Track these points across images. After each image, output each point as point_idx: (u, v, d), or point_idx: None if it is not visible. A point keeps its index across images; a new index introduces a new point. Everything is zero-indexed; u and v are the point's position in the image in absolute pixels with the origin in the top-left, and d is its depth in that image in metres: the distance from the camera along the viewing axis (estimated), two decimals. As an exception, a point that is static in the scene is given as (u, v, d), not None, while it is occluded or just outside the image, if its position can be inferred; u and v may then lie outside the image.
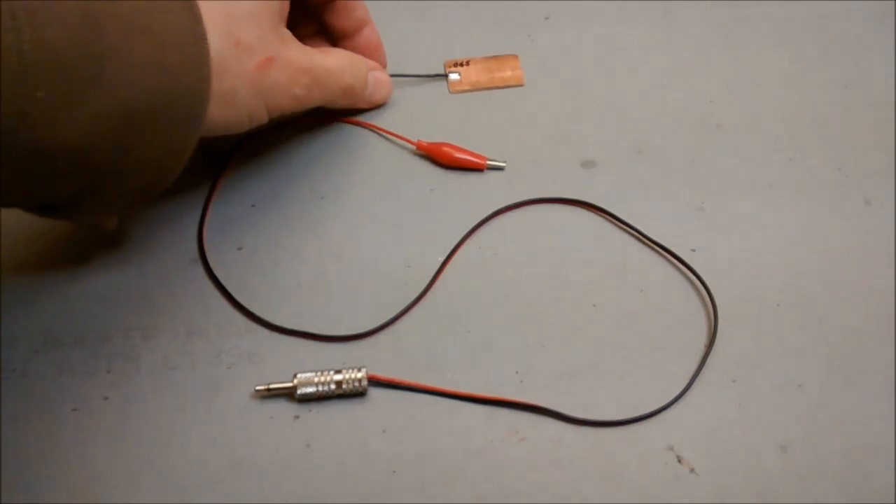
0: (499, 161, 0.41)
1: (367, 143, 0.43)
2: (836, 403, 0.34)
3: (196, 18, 0.30)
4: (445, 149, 0.41)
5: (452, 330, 0.36)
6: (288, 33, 0.37)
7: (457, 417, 0.34)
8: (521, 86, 0.45)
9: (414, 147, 0.42)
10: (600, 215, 0.40)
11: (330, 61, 0.39)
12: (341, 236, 0.39)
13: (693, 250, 0.39)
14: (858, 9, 0.50)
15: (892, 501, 0.32)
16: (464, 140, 0.42)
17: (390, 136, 0.42)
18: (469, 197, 0.41)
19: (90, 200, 0.31)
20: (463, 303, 0.37)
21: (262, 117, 0.36)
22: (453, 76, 0.45)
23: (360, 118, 0.43)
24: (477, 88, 0.45)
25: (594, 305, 0.37)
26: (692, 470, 0.32)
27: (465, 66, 0.45)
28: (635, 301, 0.37)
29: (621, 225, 0.40)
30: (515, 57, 0.46)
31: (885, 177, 0.42)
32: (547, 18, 0.49)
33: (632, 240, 0.39)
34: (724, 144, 0.43)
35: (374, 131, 0.43)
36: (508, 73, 0.45)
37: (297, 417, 0.34)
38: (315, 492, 0.32)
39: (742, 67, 0.47)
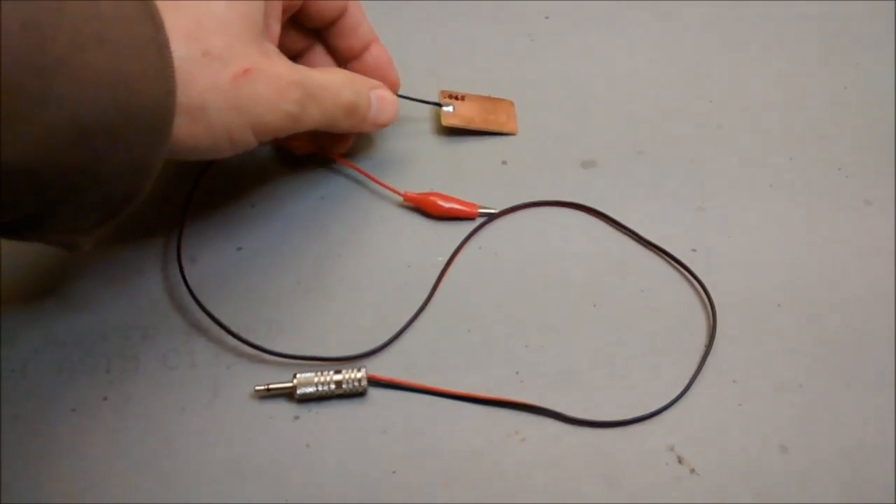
0: (490, 208, 0.40)
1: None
2: (836, 403, 0.34)
3: (157, 25, 0.28)
4: (433, 198, 0.39)
5: (452, 330, 0.36)
6: (272, 48, 0.34)
7: (457, 417, 0.34)
8: (512, 134, 0.43)
9: (401, 198, 0.40)
10: (595, 216, 0.40)
11: (324, 77, 0.35)
12: (341, 236, 0.39)
13: (693, 250, 0.39)
14: (858, 9, 0.50)
15: (892, 501, 0.32)
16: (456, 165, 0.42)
17: (376, 185, 0.40)
18: (469, 197, 0.41)
19: (50, 221, 0.29)
20: (463, 303, 0.37)
21: (248, 138, 0.32)
22: (447, 108, 0.42)
23: (351, 160, 0.41)
24: (469, 126, 0.42)
25: (594, 306, 0.37)
26: (692, 470, 0.32)
27: (460, 101, 0.43)
28: (635, 301, 0.37)
29: (617, 227, 0.40)
30: (511, 103, 0.44)
31: (885, 177, 0.42)
32: (547, 18, 0.49)
33: (631, 240, 0.39)
34: (724, 144, 0.43)
35: (360, 177, 0.41)
36: (503, 119, 0.43)
37: (296, 417, 0.34)
38: (315, 492, 0.32)
39: (742, 67, 0.47)
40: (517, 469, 0.32)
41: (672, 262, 0.38)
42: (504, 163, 0.42)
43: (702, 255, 0.38)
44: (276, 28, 0.35)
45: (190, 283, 0.36)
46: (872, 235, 0.39)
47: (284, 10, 0.36)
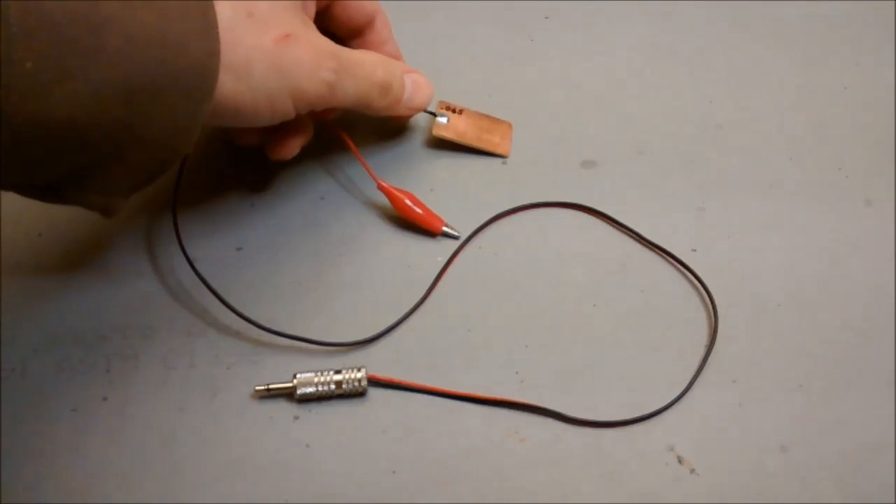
0: (456, 232, 0.39)
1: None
2: (836, 403, 0.34)
3: None
4: (403, 196, 0.39)
5: (452, 330, 0.36)
6: (309, 21, 0.34)
7: (457, 417, 0.34)
8: (504, 157, 0.42)
9: (376, 183, 0.39)
10: (595, 216, 0.40)
11: (359, 55, 0.36)
12: (341, 236, 0.39)
13: (693, 250, 0.39)
14: (858, 9, 0.50)
15: (892, 501, 0.32)
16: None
17: (375, 184, 0.39)
18: (469, 197, 0.41)
19: (92, 180, 0.29)
20: (463, 303, 0.37)
21: (286, 104, 0.33)
22: (441, 119, 0.41)
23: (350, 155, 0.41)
24: (461, 141, 0.41)
25: (594, 306, 0.37)
26: (692, 470, 0.32)
27: (457, 113, 0.42)
28: (635, 301, 0.37)
29: (617, 226, 0.39)
30: (510, 125, 0.43)
31: (885, 177, 0.42)
32: (547, 18, 0.49)
33: (631, 240, 0.39)
34: (724, 144, 0.43)
35: (359, 177, 0.41)
36: (497, 139, 0.42)
37: (296, 417, 0.34)
38: (315, 492, 0.32)
39: (742, 67, 0.47)
40: (517, 469, 0.32)
41: (672, 261, 0.38)
42: (504, 163, 0.42)
43: (702, 255, 0.38)
44: (311, 10, 0.36)
45: (191, 283, 0.36)
46: (872, 235, 0.39)
47: (317, 5, 0.37)
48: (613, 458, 0.33)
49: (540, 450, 0.33)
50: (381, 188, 0.39)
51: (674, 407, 0.34)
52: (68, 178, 0.29)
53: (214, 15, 0.29)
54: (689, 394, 0.34)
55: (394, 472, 0.32)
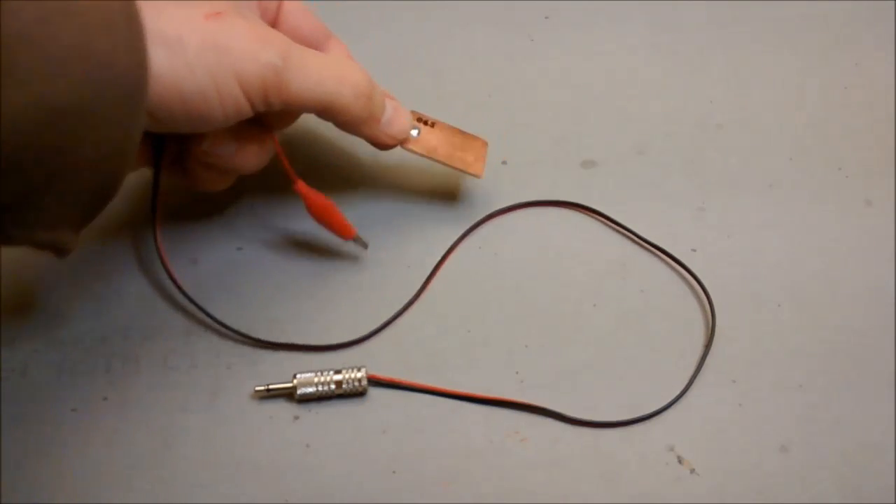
0: (365, 242, 0.37)
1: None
2: (836, 403, 0.34)
3: None
4: (317, 199, 0.36)
5: (452, 330, 0.36)
6: (249, 12, 0.32)
7: (457, 417, 0.34)
8: (476, 177, 0.39)
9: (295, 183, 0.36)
10: (595, 216, 0.40)
11: (324, 55, 0.33)
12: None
13: (693, 250, 0.39)
14: (858, 9, 0.50)
15: (892, 501, 0.32)
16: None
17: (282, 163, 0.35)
18: (469, 197, 0.41)
19: (29, 213, 0.27)
20: (463, 303, 0.37)
21: (235, 90, 0.29)
22: (412, 131, 0.38)
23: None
24: (431, 157, 0.38)
25: (594, 306, 0.37)
26: (693, 470, 0.32)
27: (429, 126, 0.38)
28: (635, 301, 0.37)
29: (616, 226, 0.39)
30: (484, 143, 0.39)
31: (885, 177, 0.42)
32: (547, 18, 0.49)
33: (631, 240, 0.39)
34: (724, 144, 0.43)
35: None
36: (471, 158, 0.38)
37: (296, 418, 0.34)
38: (315, 492, 0.32)
39: (742, 67, 0.47)
40: (517, 469, 0.32)
41: (672, 261, 0.38)
42: (504, 163, 0.42)
43: (702, 254, 0.38)
44: (256, 10, 0.33)
45: (191, 283, 0.36)
46: (872, 235, 0.39)
47: (263, 11, 0.34)
48: (613, 458, 0.33)
49: (540, 450, 0.33)
50: (297, 187, 0.35)
51: (674, 407, 0.34)
52: (6, 213, 0.27)
53: (141, 22, 0.26)
54: (689, 394, 0.34)
55: (394, 472, 0.32)
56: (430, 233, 0.39)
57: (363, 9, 0.49)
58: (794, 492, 0.32)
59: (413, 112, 0.38)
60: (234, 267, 0.38)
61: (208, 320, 0.36)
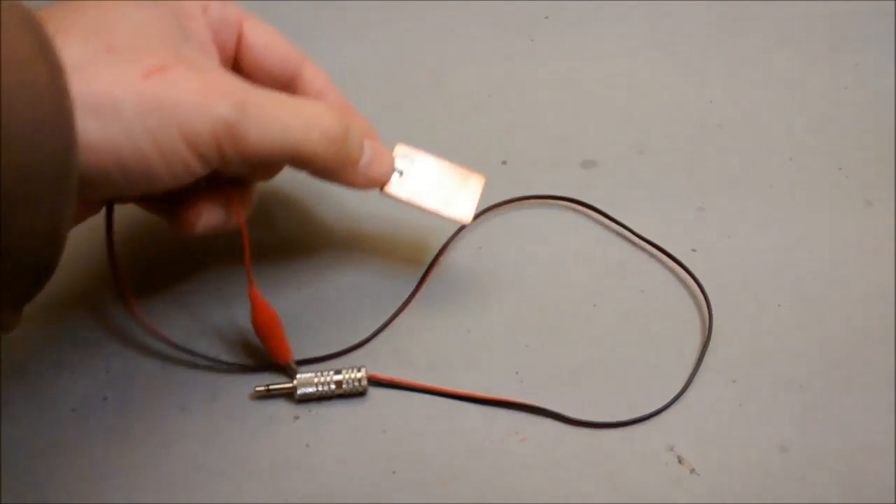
0: (293, 371, 0.34)
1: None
2: (836, 403, 0.34)
3: (54, 68, 0.23)
4: (265, 317, 0.33)
5: (452, 330, 0.36)
6: (203, 58, 0.28)
7: (457, 417, 0.34)
8: (463, 223, 0.35)
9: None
10: (596, 214, 0.40)
11: (291, 97, 0.29)
12: (341, 237, 0.39)
13: (693, 250, 0.39)
14: (858, 9, 0.50)
15: (892, 501, 0.32)
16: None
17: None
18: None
19: None
20: (463, 303, 0.37)
21: (180, 150, 0.26)
22: (397, 168, 0.34)
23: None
24: (413, 203, 0.34)
25: (594, 306, 0.37)
26: (692, 470, 0.32)
27: (416, 164, 0.34)
28: (635, 301, 0.37)
29: (617, 225, 0.39)
30: (481, 179, 0.36)
31: (885, 177, 0.42)
32: (547, 18, 0.49)
33: (631, 240, 0.39)
34: (724, 144, 0.43)
35: None
36: (460, 202, 0.35)
37: (296, 418, 0.34)
38: (315, 492, 0.32)
39: (742, 67, 0.47)
40: (517, 469, 0.32)
41: (672, 261, 0.38)
42: (504, 163, 0.42)
43: (702, 254, 0.38)
44: (211, 49, 0.31)
45: (191, 283, 0.36)
46: (872, 235, 0.39)
47: (222, 55, 0.31)
48: (613, 459, 0.33)
49: (540, 450, 0.33)
50: (250, 295, 0.33)
51: (674, 407, 0.34)
52: None
53: (68, 98, 0.24)
54: (689, 394, 0.34)
55: (394, 472, 0.32)
56: (430, 232, 0.39)
57: (363, 9, 0.50)
58: (794, 492, 0.32)
59: (400, 146, 0.35)
60: (234, 267, 0.38)
61: (209, 320, 0.36)
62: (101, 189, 0.26)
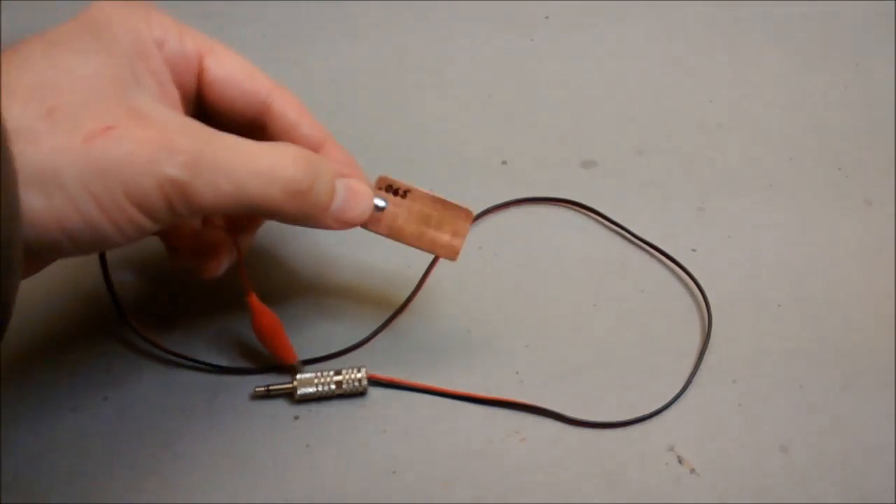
0: (300, 368, 0.34)
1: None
2: (836, 403, 0.34)
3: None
4: (266, 319, 0.33)
5: (452, 330, 0.36)
6: (155, 106, 0.27)
7: (457, 417, 0.34)
8: (451, 259, 0.33)
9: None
10: (594, 217, 0.40)
11: (251, 145, 0.27)
12: (341, 236, 0.39)
13: (693, 250, 0.39)
14: (858, 9, 0.50)
15: (892, 502, 0.32)
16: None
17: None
18: (469, 197, 0.40)
19: None
20: (463, 303, 0.37)
21: (128, 212, 0.25)
22: (378, 203, 0.32)
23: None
24: (394, 238, 0.32)
25: (594, 306, 0.37)
26: (693, 470, 0.32)
27: (400, 196, 0.32)
28: (635, 301, 0.37)
29: (615, 226, 0.39)
30: (469, 215, 0.33)
31: (885, 177, 0.42)
32: (547, 18, 0.49)
33: (631, 240, 0.39)
34: (724, 144, 0.43)
35: None
36: (446, 237, 0.33)
37: (296, 418, 0.34)
38: (315, 492, 0.32)
39: (742, 67, 0.47)
40: (517, 469, 0.32)
41: (671, 262, 0.38)
42: (504, 163, 0.42)
43: (702, 254, 0.38)
44: (170, 89, 0.29)
45: (192, 284, 0.36)
46: (872, 235, 0.39)
47: (183, 91, 0.30)
48: (613, 458, 0.33)
49: (540, 450, 0.33)
50: (249, 302, 0.33)
51: (674, 407, 0.34)
52: None
53: (11, 174, 0.22)
54: (689, 394, 0.34)
55: (394, 472, 0.32)
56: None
57: (363, 9, 0.50)
58: (794, 492, 0.32)
59: (383, 178, 0.32)
60: (235, 268, 0.38)
61: (209, 319, 0.36)
62: (48, 255, 0.26)
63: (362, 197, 0.31)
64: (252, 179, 0.26)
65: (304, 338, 0.36)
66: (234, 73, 0.30)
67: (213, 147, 0.26)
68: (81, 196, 0.24)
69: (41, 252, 0.25)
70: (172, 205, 0.25)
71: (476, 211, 0.40)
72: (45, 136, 0.24)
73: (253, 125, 0.31)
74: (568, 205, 0.40)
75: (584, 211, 0.40)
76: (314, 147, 0.31)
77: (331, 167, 0.29)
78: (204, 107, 0.31)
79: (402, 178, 0.32)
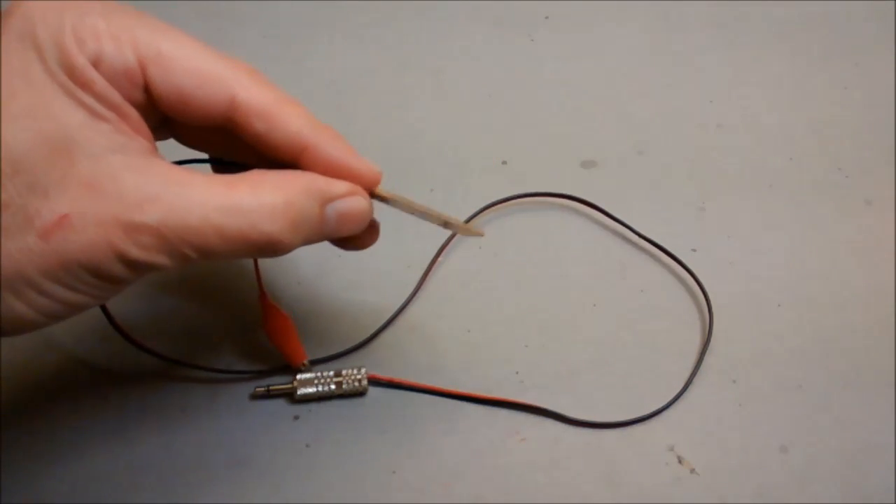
0: (308, 368, 0.34)
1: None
2: (836, 403, 0.34)
3: None
4: (278, 319, 0.34)
5: (452, 330, 0.36)
6: (105, 162, 0.24)
7: (457, 417, 0.34)
8: (479, 234, 0.34)
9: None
10: (596, 213, 0.40)
11: (226, 199, 0.25)
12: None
13: (693, 250, 0.39)
14: (858, 9, 0.50)
15: (892, 502, 0.32)
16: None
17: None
18: (469, 197, 0.41)
19: None
20: (463, 303, 0.37)
21: (109, 289, 0.25)
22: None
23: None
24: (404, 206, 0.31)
25: (594, 306, 0.37)
26: (693, 470, 0.32)
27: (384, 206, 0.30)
28: (635, 301, 0.37)
29: (618, 223, 0.39)
30: (480, 233, 0.35)
31: (885, 177, 0.42)
32: (547, 18, 0.49)
33: (631, 239, 0.39)
34: (724, 144, 0.43)
35: None
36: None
37: (296, 418, 0.34)
38: (315, 492, 0.32)
39: (742, 67, 0.47)
40: (517, 469, 0.32)
41: (672, 261, 0.38)
42: (504, 163, 0.42)
43: (702, 254, 0.38)
44: (127, 110, 0.25)
45: (192, 283, 0.36)
46: (872, 235, 0.39)
47: (137, 104, 0.26)
48: (613, 459, 0.33)
49: (540, 450, 0.33)
50: (262, 303, 0.33)
51: (674, 407, 0.34)
52: None
53: None
54: (689, 394, 0.34)
55: (394, 472, 0.32)
56: (430, 231, 0.39)
57: (363, 9, 0.50)
58: (794, 492, 0.32)
59: (380, 190, 0.30)
60: (235, 269, 0.38)
61: (209, 319, 0.36)
62: (31, 332, 0.25)
63: (356, 215, 0.29)
64: (223, 246, 0.25)
65: (305, 338, 0.36)
66: (182, 83, 0.26)
67: (176, 214, 0.24)
68: (53, 288, 0.24)
69: (32, 330, 0.25)
70: (145, 272, 0.25)
71: (476, 210, 0.40)
72: (6, 240, 0.23)
73: (225, 127, 0.27)
74: (568, 201, 0.40)
75: (584, 209, 0.40)
76: (293, 154, 0.27)
77: (317, 197, 0.27)
78: (167, 118, 0.27)
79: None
